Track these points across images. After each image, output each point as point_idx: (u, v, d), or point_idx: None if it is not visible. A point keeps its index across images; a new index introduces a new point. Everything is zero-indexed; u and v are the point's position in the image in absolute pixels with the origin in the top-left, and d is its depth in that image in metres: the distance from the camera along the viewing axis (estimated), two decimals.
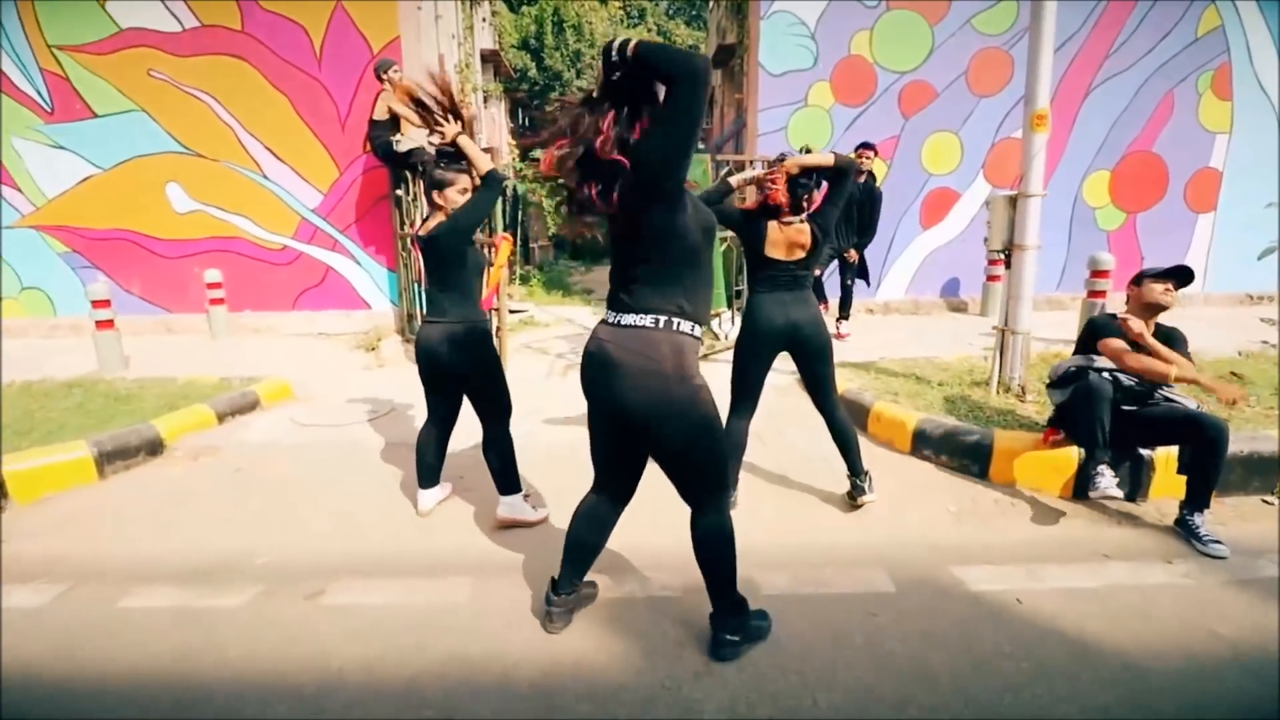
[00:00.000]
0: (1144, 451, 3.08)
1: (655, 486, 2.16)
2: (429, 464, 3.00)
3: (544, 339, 6.71)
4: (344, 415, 4.33)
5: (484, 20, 13.83)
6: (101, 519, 3.09)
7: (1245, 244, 7.32)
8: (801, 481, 3.33)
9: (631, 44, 1.55)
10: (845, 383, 4.33)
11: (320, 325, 6.88)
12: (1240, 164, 7.24)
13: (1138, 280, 3.04)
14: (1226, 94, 7.11)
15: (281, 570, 2.64)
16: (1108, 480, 2.77)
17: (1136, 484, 3.10)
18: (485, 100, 13.87)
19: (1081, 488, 3.06)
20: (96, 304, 5.11)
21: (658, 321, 1.77)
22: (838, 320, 6.03)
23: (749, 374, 2.94)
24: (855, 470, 2.99)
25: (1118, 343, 2.91)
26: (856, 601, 2.36)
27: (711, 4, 19.62)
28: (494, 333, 5.05)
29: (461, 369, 2.79)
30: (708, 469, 1.88)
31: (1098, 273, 5.09)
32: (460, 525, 2.97)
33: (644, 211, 1.69)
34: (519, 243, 11.88)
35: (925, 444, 3.51)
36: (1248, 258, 7.30)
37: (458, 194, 2.73)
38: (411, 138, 5.89)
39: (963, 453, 3.36)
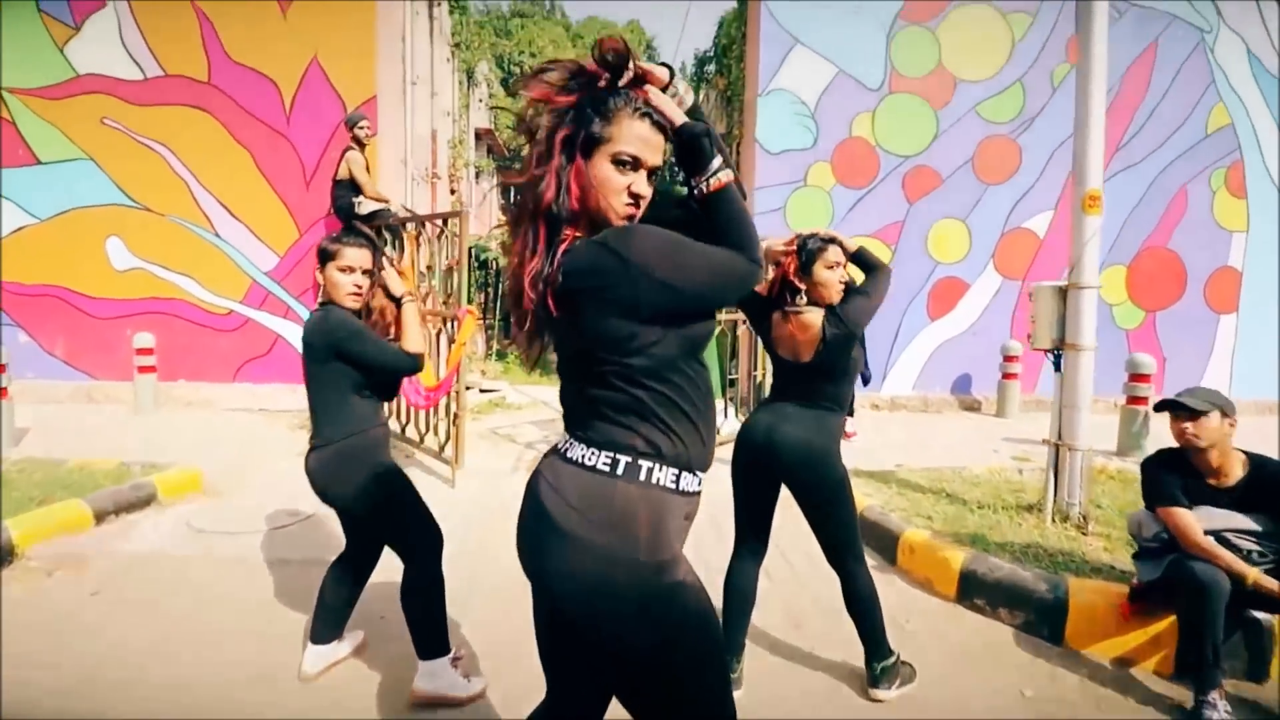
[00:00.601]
0: (1260, 615, 2.38)
1: None
2: (327, 607, 2.22)
3: (515, 424, 6.00)
4: (251, 520, 3.52)
5: (480, 101, 13.96)
6: None
7: (1271, 348, 6.90)
8: (822, 642, 2.56)
9: (717, 182, 1.11)
10: (864, 499, 3.64)
11: (263, 400, 6.11)
12: (1260, 264, 6.92)
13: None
14: (1241, 191, 6.88)
15: None
16: (1220, 716, 2.05)
17: (1258, 658, 2.39)
18: (477, 176, 13.78)
19: (1188, 671, 2.35)
20: None
21: (615, 462, 1.10)
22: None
23: (744, 503, 2.25)
24: (876, 652, 2.20)
25: (1184, 517, 2.23)
26: None
27: (701, 96, 20.18)
28: (451, 419, 4.36)
29: (336, 502, 2.10)
30: None
31: (1137, 376, 4.56)
32: (362, 698, 2.16)
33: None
34: (498, 317, 11.36)
35: (976, 590, 2.79)
36: (1274, 362, 6.86)
37: (337, 271, 2.07)
38: (376, 199, 5.38)
39: (1029, 608, 2.64)
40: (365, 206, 5.27)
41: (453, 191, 9.20)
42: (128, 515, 3.54)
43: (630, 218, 1.13)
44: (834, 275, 2.17)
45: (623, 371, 1.09)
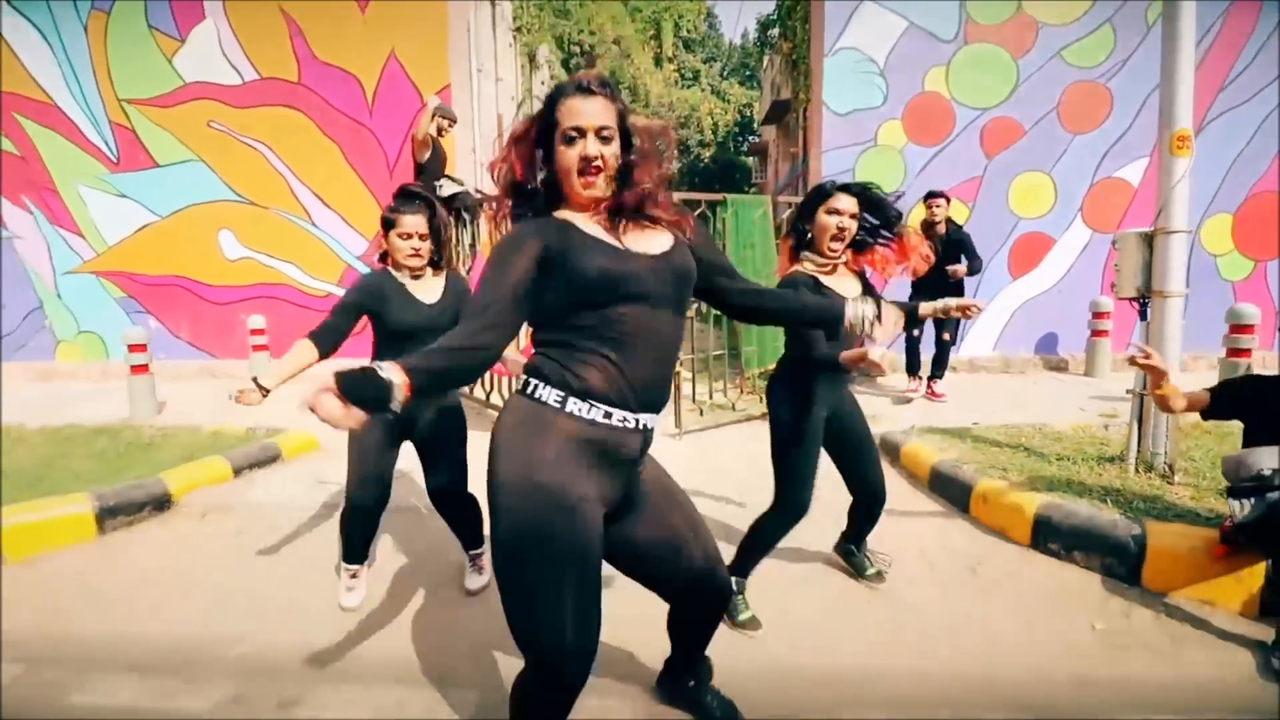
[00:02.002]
0: None
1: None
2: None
3: None
4: None
5: (543, 83, 14.21)
6: (86, 587, 2.74)
7: None
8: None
9: None
10: (937, 454, 3.66)
11: None
12: None
13: None
14: None
15: (259, 665, 2.20)
16: None
17: None
18: None
19: (1270, 605, 2.32)
20: (132, 348, 4.95)
21: (524, 384, 1.39)
22: (930, 379, 5.40)
23: None
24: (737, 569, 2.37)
25: None
26: None
27: (765, 63, 19.71)
28: None
29: None
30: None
31: (1239, 327, 4.33)
32: (478, 625, 2.44)
33: None
34: None
35: (1051, 535, 2.80)
36: None
37: (397, 238, 2.32)
38: (455, 182, 5.66)
39: (1104, 549, 2.64)
40: (446, 189, 5.56)
41: None
42: (258, 470, 3.99)
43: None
44: (835, 223, 2.20)
45: (533, 321, 1.37)
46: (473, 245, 5.41)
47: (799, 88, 7.54)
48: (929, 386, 5.40)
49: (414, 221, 2.32)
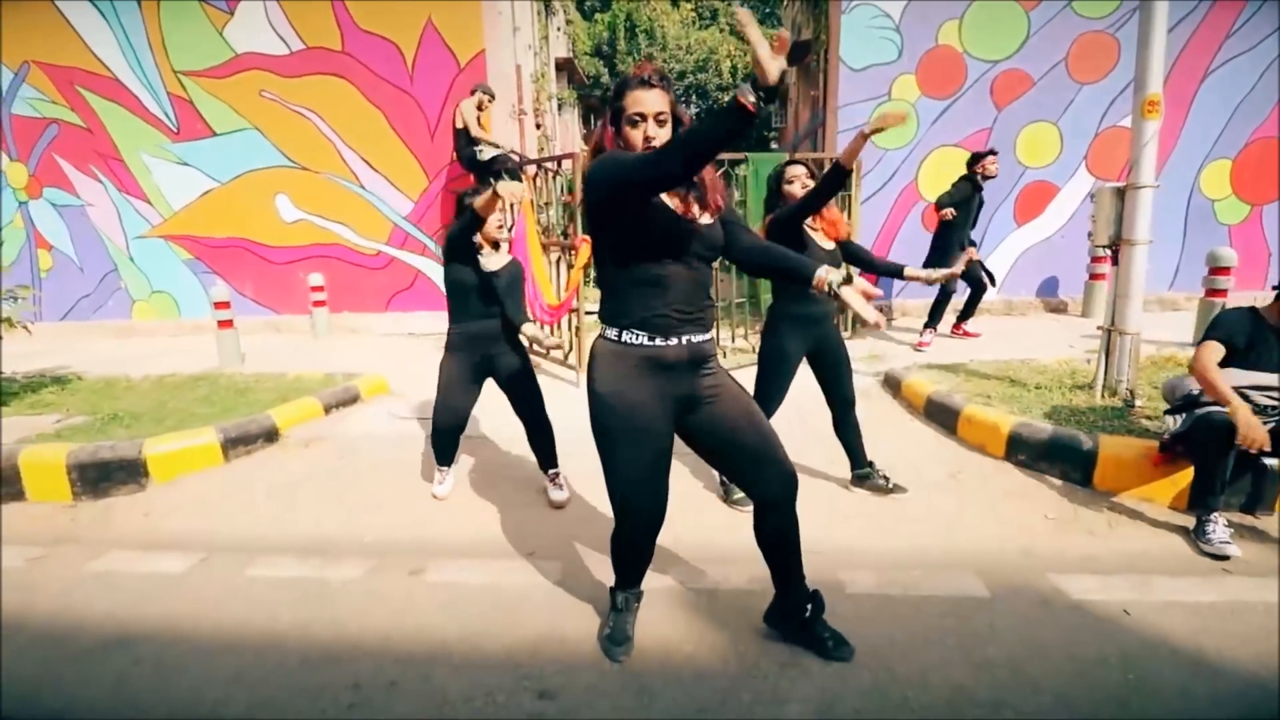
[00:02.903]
0: (1268, 461, 2.84)
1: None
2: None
3: None
4: (429, 410, 4.55)
5: (558, 29, 14.18)
6: (229, 498, 3.40)
7: None
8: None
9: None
10: (933, 385, 4.20)
11: (410, 326, 7.25)
12: None
13: None
14: None
15: (387, 547, 2.84)
16: (1221, 534, 2.58)
17: (1258, 497, 2.87)
18: (560, 107, 14.22)
19: (1197, 500, 2.86)
20: (218, 305, 5.58)
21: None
22: (960, 321, 6.00)
23: None
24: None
25: (1206, 350, 2.68)
26: (948, 605, 2.30)
27: (786, 1, 19.39)
28: (574, 332, 5.21)
29: None
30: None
31: (1218, 269, 4.73)
32: (549, 514, 3.09)
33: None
34: None
35: (1021, 449, 3.36)
36: None
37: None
38: (494, 146, 6.12)
39: (1063, 458, 3.20)
40: (486, 153, 6.04)
41: (538, 126, 9.60)
42: (344, 409, 4.64)
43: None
44: (793, 189, 2.95)
45: (598, 255, 1.88)
46: (512, 206, 5.90)
47: (819, 29, 7.73)
48: (960, 327, 5.97)
49: (513, 187, 2.90)
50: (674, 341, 1.80)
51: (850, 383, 3.09)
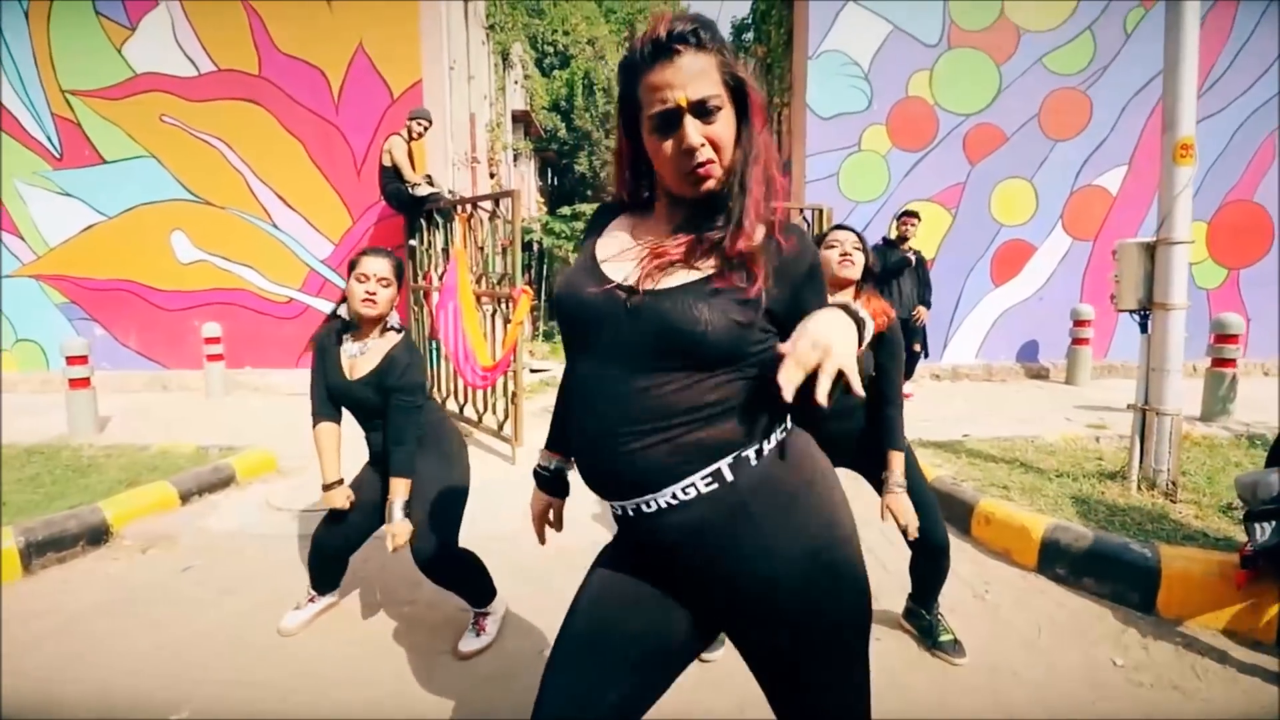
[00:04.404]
0: None
1: None
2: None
3: None
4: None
5: (516, 83, 13.90)
6: (5, 638, 2.41)
7: None
8: (894, 611, 2.51)
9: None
10: (933, 469, 3.53)
11: None
12: None
13: None
14: None
15: None
16: None
17: None
18: (515, 159, 13.80)
19: None
20: (71, 360, 4.57)
21: None
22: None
23: None
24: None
25: None
26: None
27: (742, 60, 19.67)
28: (509, 398, 4.40)
29: None
30: None
31: (1225, 337, 4.29)
32: (453, 669, 2.20)
33: None
34: (542, 298, 11.44)
35: (1058, 559, 2.68)
36: None
37: (355, 280, 2.16)
38: (428, 184, 5.40)
39: (1116, 575, 2.52)
40: (419, 190, 5.30)
41: (492, 175, 9.18)
42: (210, 495, 3.69)
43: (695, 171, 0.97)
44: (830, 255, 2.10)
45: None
46: (445, 249, 5.14)
47: (774, 92, 7.42)
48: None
49: (377, 265, 2.14)
50: (618, 511, 1.13)
51: (933, 514, 2.18)
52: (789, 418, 1.06)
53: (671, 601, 1.06)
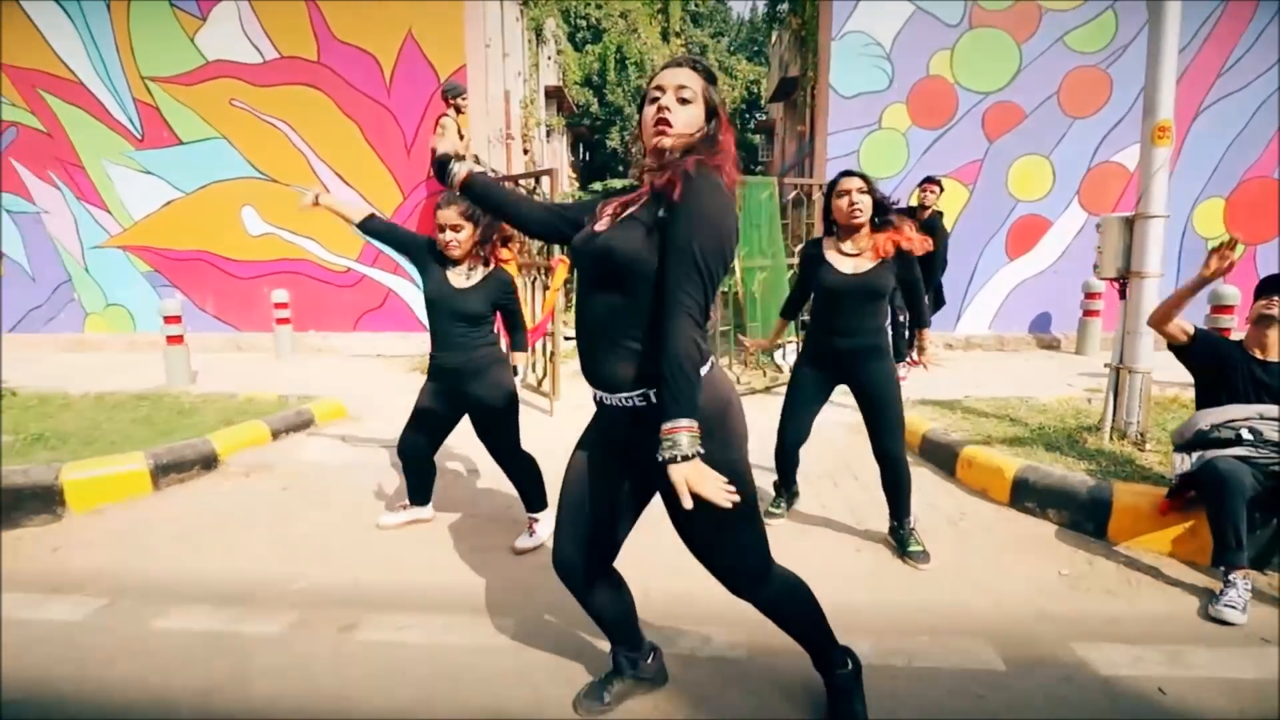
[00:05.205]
0: None
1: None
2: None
3: None
4: (392, 437, 4.19)
5: (549, 58, 14.17)
6: (150, 533, 3.02)
7: None
8: (880, 530, 2.95)
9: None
10: (929, 422, 3.93)
11: (379, 347, 6.90)
12: None
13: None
14: None
15: (318, 596, 2.48)
16: (1235, 595, 2.29)
17: None
18: (548, 134, 14.14)
19: (1215, 556, 2.59)
20: (168, 319, 5.21)
21: None
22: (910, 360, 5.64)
23: None
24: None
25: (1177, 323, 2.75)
26: (959, 679, 1.98)
27: (774, 38, 19.68)
28: (548, 358, 4.90)
29: None
30: None
31: (1220, 308, 4.55)
32: (508, 560, 2.73)
33: None
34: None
35: (1027, 495, 3.08)
36: None
37: (437, 229, 2.64)
38: (476, 162, 5.87)
39: (1074, 506, 2.92)
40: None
41: (525, 152, 9.54)
42: (294, 434, 4.28)
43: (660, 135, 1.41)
44: (840, 203, 2.63)
45: None
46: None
47: (807, 65, 7.68)
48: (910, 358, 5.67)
49: (447, 215, 2.58)
50: (597, 399, 1.61)
51: (894, 433, 2.66)
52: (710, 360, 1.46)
53: (621, 467, 1.57)
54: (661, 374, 1.29)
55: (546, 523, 2.84)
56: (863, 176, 2.60)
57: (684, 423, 1.27)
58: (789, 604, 1.67)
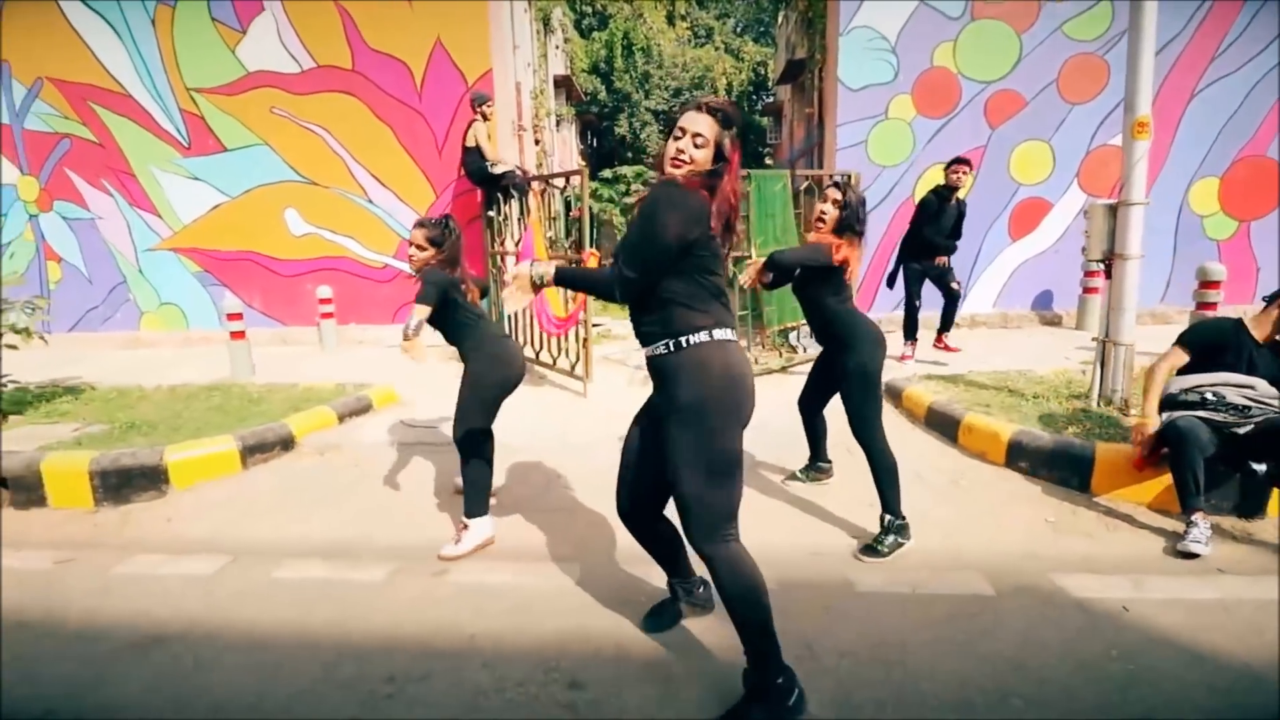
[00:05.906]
0: (1258, 466, 2.94)
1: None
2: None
3: (622, 352, 6.92)
4: (442, 418, 4.64)
5: (556, 48, 14.41)
6: (249, 503, 3.48)
7: None
8: None
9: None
10: (933, 395, 4.31)
11: None
12: None
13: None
14: None
15: (409, 551, 2.91)
16: (1198, 533, 2.68)
17: (1255, 501, 2.98)
18: (558, 124, 14.43)
19: (1180, 502, 2.97)
20: (231, 316, 5.67)
21: None
22: (940, 333, 5.94)
23: None
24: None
25: (1163, 365, 3.01)
26: (955, 603, 2.40)
27: (780, 20, 19.77)
28: (581, 344, 5.31)
29: None
30: None
31: (1207, 283, 4.88)
32: (558, 520, 3.17)
33: None
34: (600, 260, 12.19)
35: (1021, 456, 3.47)
36: None
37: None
38: (505, 162, 6.27)
39: (1062, 465, 3.31)
40: (498, 168, 6.18)
41: (537, 142, 9.67)
42: (357, 418, 4.73)
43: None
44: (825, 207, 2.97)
45: None
46: (521, 218, 6.04)
47: (814, 47, 7.94)
48: (941, 340, 5.96)
49: (414, 234, 3.01)
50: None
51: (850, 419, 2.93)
52: (709, 331, 1.80)
53: (657, 427, 1.88)
54: None
55: (475, 532, 2.91)
56: (846, 190, 2.92)
57: (541, 266, 1.90)
58: (733, 575, 1.77)
